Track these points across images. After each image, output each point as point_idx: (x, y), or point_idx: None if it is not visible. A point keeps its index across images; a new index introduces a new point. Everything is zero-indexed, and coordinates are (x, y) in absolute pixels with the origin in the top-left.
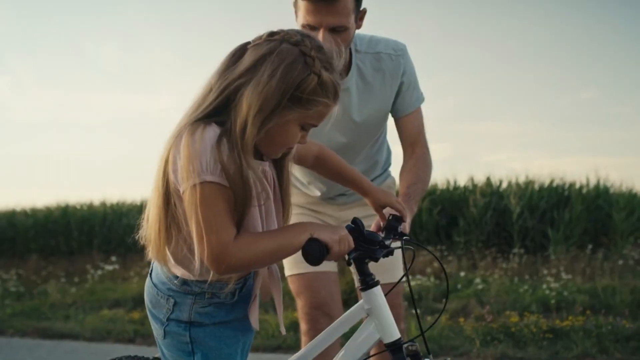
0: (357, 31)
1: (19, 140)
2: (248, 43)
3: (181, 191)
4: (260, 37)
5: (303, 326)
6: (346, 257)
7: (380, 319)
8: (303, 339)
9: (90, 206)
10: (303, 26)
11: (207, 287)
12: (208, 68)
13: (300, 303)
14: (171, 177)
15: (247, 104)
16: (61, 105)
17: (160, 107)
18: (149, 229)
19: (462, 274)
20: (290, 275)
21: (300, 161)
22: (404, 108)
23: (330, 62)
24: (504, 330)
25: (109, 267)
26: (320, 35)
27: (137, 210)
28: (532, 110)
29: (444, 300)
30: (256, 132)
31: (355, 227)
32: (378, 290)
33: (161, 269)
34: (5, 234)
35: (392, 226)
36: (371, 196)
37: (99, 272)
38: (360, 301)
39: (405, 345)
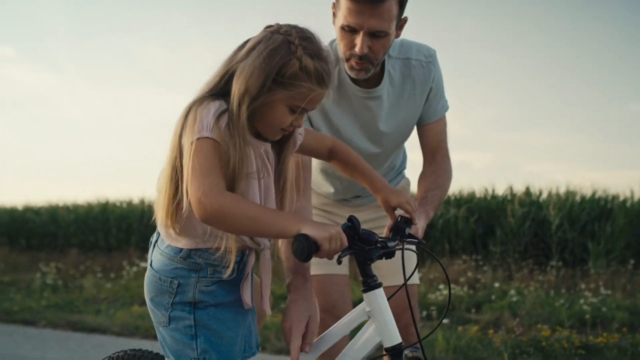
0: None
1: (66, 137)
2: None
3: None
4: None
5: None
6: (336, 256)
7: (380, 321)
8: None
9: (130, 203)
10: (342, 27)
11: (209, 259)
12: None
13: None
14: (179, 149)
15: (237, 85)
16: (107, 103)
17: None
18: (158, 198)
19: (497, 284)
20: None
21: (315, 154)
22: (429, 116)
23: (318, 51)
24: (535, 344)
25: (145, 265)
26: (359, 39)
27: None
28: (577, 121)
29: (474, 310)
30: (246, 110)
31: (351, 225)
32: (380, 293)
33: (163, 250)
34: (47, 229)
35: (399, 227)
36: (382, 195)
37: (135, 268)
38: (362, 303)
39: (406, 352)
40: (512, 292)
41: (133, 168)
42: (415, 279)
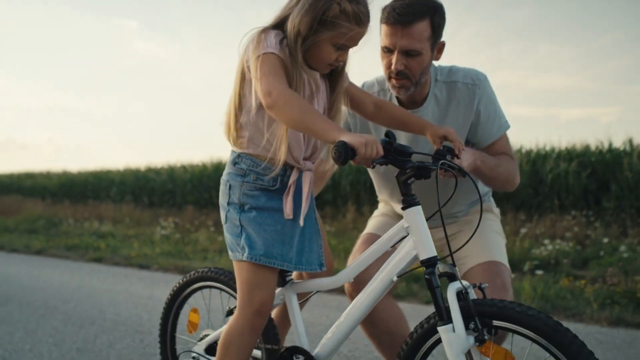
0: (439, 62)
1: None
2: None
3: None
4: None
5: (354, 249)
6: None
7: (417, 236)
8: (350, 258)
9: None
10: (382, 49)
11: (253, 166)
12: None
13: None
14: (246, 68)
15: (291, 27)
16: (222, 70)
17: None
18: (227, 115)
19: (605, 240)
20: None
21: (362, 104)
22: (486, 139)
23: None
24: (629, 295)
25: None
26: (394, 57)
27: None
28: None
29: (583, 267)
30: (301, 48)
31: (388, 139)
32: (418, 210)
33: (229, 159)
34: (165, 187)
35: (440, 153)
36: (430, 129)
37: None
38: (402, 220)
39: (439, 266)
40: (623, 247)
41: None
42: (500, 257)
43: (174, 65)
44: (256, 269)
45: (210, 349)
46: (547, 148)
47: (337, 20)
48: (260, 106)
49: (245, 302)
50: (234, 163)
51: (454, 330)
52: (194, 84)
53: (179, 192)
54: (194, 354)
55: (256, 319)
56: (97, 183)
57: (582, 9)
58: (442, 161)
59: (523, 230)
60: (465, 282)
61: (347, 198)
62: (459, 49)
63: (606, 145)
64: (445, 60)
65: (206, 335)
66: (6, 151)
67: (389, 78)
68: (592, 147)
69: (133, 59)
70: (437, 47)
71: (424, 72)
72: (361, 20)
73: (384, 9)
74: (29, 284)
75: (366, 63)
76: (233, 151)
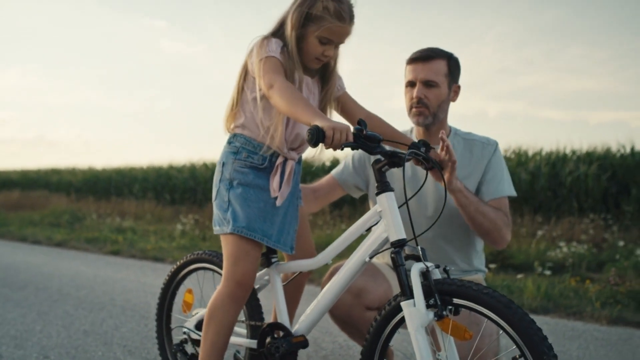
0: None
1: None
2: None
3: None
4: None
5: None
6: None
7: (389, 220)
8: None
9: None
10: (405, 85)
11: (246, 144)
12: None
13: None
14: (249, 67)
15: (288, 24)
16: None
17: (348, 69)
18: (227, 107)
19: (621, 243)
20: None
21: (350, 113)
22: (488, 194)
23: None
24: (633, 295)
25: None
26: (415, 89)
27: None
28: None
29: (597, 268)
30: (296, 43)
31: (360, 127)
32: (390, 196)
33: (225, 142)
34: (187, 184)
35: (415, 145)
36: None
37: None
38: (376, 205)
39: (405, 249)
40: (639, 251)
41: None
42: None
43: (200, 64)
44: (239, 241)
45: (200, 325)
46: (567, 150)
47: (320, 15)
48: (257, 100)
49: (228, 273)
50: (229, 142)
51: (415, 306)
52: (219, 83)
53: (200, 190)
54: (185, 329)
55: (238, 290)
56: (121, 180)
57: (614, 10)
58: (411, 150)
59: (540, 233)
60: (429, 263)
61: (365, 198)
62: (487, 50)
63: (628, 149)
64: (470, 57)
65: (197, 313)
66: (36, 148)
67: (410, 109)
68: (614, 150)
69: (161, 57)
70: (454, 89)
71: (441, 106)
72: (342, 17)
73: (409, 57)
74: (47, 272)
75: None
76: (230, 135)
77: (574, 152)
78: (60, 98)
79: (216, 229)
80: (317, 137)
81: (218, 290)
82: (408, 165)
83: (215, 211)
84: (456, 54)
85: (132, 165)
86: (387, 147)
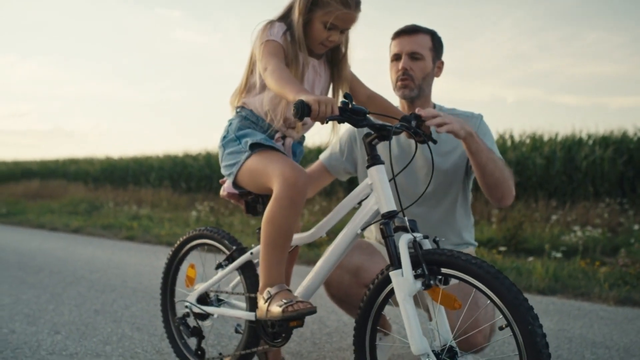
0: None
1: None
2: None
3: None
4: None
5: None
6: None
7: (379, 192)
8: None
9: None
10: (391, 59)
11: (250, 115)
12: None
13: None
14: (256, 51)
15: (295, 9)
16: None
17: (358, 58)
18: (235, 90)
19: (637, 227)
20: None
21: (354, 92)
22: None
23: None
24: None
25: None
26: (402, 60)
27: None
28: None
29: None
30: (302, 28)
31: (346, 100)
32: (381, 168)
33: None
34: (202, 172)
35: (406, 119)
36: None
37: None
38: (367, 179)
39: (395, 221)
40: None
41: None
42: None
43: (214, 53)
44: (262, 154)
45: (201, 299)
46: (583, 134)
47: (327, 0)
48: (263, 85)
49: (277, 179)
50: (237, 111)
51: (402, 275)
52: (233, 72)
53: (215, 177)
54: (187, 303)
55: (292, 191)
56: (137, 168)
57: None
58: (401, 123)
59: (554, 217)
60: (417, 234)
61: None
62: (503, 36)
63: None
64: (486, 44)
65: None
66: (54, 138)
67: (396, 82)
68: (631, 134)
69: (175, 47)
70: (438, 64)
71: (426, 79)
72: (348, 3)
73: (394, 32)
74: (63, 257)
75: None
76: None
77: (589, 136)
78: (76, 89)
79: (233, 172)
80: (303, 110)
81: (273, 200)
82: (402, 141)
83: (227, 158)
84: (472, 41)
85: (148, 154)
86: (378, 122)
